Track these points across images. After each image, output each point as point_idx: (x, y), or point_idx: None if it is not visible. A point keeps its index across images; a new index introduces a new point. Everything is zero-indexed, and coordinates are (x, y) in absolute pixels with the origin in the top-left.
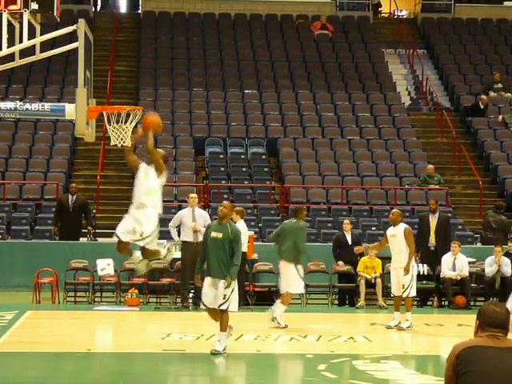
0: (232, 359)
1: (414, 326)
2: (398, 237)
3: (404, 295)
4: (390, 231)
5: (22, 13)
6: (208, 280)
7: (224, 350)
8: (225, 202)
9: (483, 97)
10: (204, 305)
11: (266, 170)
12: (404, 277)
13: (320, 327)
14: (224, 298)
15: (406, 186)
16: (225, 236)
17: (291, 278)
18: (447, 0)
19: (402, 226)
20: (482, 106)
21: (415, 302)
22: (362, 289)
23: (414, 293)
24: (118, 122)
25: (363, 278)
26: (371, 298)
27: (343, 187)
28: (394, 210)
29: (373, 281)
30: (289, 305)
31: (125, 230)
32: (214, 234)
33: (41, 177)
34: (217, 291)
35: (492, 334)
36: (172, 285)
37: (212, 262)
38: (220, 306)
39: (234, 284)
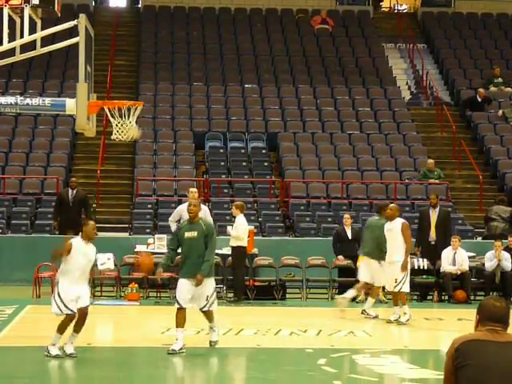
0: (232, 354)
1: (413, 319)
2: (394, 231)
3: (396, 289)
4: (386, 225)
5: (22, 8)
6: (186, 281)
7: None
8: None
9: (481, 90)
10: (179, 303)
11: (266, 164)
12: (397, 271)
13: (320, 322)
14: (207, 300)
15: (406, 181)
16: (199, 233)
17: (376, 273)
18: None
19: (400, 221)
20: (479, 99)
21: (415, 297)
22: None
23: (406, 288)
24: (120, 117)
25: None
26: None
27: (343, 181)
28: (391, 205)
29: None
30: (377, 297)
31: None
32: (188, 235)
33: (41, 171)
34: (199, 291)
35: (492, 328)
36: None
37: (193, 261)
38: (203, 307)
39: (213, 283)
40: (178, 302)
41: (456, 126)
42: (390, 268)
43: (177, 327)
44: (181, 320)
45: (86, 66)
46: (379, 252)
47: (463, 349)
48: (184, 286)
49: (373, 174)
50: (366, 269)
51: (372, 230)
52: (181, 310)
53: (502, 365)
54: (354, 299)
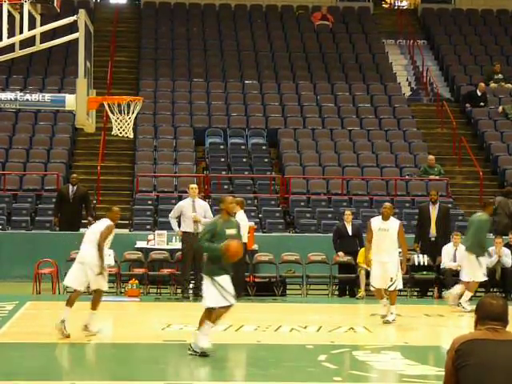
0: (232, 350)
1: (413, 316)
2: (390, 231)
3: (391, 288)
4: (380, 224)
5: (22, 3)
6: (228, 277)
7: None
8: (228, 197)
9: (481, 84)
10: (228, 301)
11: (266, 160)
12: (392, 270)
13: (320, 318)
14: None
15: (407, 177)
16: (237, 230)
17: (474, 268)
18: None
19: (396, 221)
20: (479, 94)
21: (415, 293)
22: (362, 280)
23: (400, 285)
24: (119, 113)
25: (363, 269)
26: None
27: (343, 178)
28: (387, 204)
29: None
30: (474, 292)
31: None
32: (229, 232)
33: (41, 167)
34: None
35: (491, 326)
36: (172, 275)
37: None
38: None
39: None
40: (226, 299)
41: (456, 122)
42: (383, 267)
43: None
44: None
45: (86, 62)
46: (478, 247)
47: (463, 349)
48: (227, 282)
49: (373, 170)
50: (468, 266)
51: (474, 226)
52: (228, 307)
53: (502, 363)
54: (353, 296)
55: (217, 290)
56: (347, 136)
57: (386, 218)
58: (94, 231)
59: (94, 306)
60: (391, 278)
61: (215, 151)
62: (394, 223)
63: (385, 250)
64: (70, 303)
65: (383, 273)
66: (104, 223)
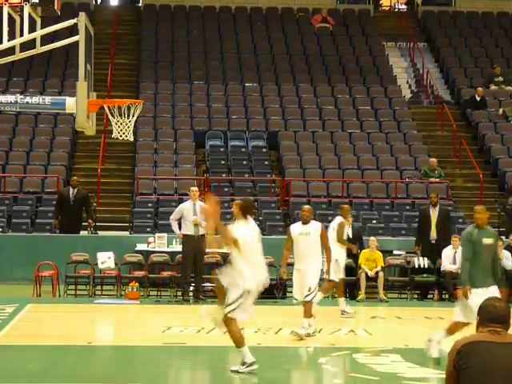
0: (233, 352)
1: (414, 318)
2: (312, 235)
3: (308, 299)
4: (300, 229)
5: (22, 6)
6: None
7: None
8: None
9: (479, 88)
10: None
11: (266, 163)
12: (311, 279)
13: (320, 320)
14: None
15: (407, 180)
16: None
17: None
18: None
19: (317, 224)
20: (478, 98)
21: (415, 296)
22: (363, 282)
23: (318, 297)
24: (119, 116)
25: (364, 271)
26: (372, 292)
27: (344, 180)
28: (306, 206)
29: (374, 274)
30: None
31: None
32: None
33: (41, 170)
34: None
35: (493, 329)
36: (173, 278)
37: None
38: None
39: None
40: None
41: (456, 125)
42: (302, 277)
43: None
44: None
45: (86, 65)
46: None
47: (465, 351)
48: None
49: (373, 172)
50: None
51: None
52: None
53: (503, 366)
54: (353, 298)
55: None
56: (347, 138)
57: (305, 222)
58: None
59: None
60: (309, 288)
61: (215, 154)
62: (315, 226)
63: (306, 257)
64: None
65: (301, 283)
66: None
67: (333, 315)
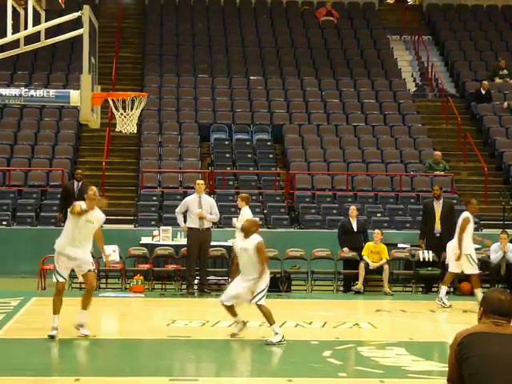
0: (237, 345)
1: (419, 311)
2: (249, 250)
3: (253, 302)
4: (241, 243)
5: None
6: None
7: None
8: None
9: (485, 82)
10: None
11: (271, 156)
12: (258, 284)
13: (325, 314)
14: None
15: (412, 173)
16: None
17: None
18: None
19: (256, 239)
20: (483, 92)
21: (420, 289)
22: (361, 272)
23: (264, 300)
24: (123, 109)
25: (363, 262)
26: (376, 285)
27: (348, 173)
28: (247, 218)
29: (376, 267)
30: None
31: None
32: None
33: (46, 163)
34: None
35: (496, 321)
36: (177, 271)
37: None
38: None
39: None
40: None
41: (461, 118)
42: (246, 284)
43: None
44: None
45: (91, 58)
46: None
47: (466, 342)
48: None
49: (378, 166)
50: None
51: None
52: None
53: (505, 356)
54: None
55: None
56: (352, 132)
57: (246, 236)
58: None
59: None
60: (252, 292)
61: (220, 147)
62: (252, 241)
63: (246, 271)
64: None
65: (246, 290)
66: None
67: (337, 308)
